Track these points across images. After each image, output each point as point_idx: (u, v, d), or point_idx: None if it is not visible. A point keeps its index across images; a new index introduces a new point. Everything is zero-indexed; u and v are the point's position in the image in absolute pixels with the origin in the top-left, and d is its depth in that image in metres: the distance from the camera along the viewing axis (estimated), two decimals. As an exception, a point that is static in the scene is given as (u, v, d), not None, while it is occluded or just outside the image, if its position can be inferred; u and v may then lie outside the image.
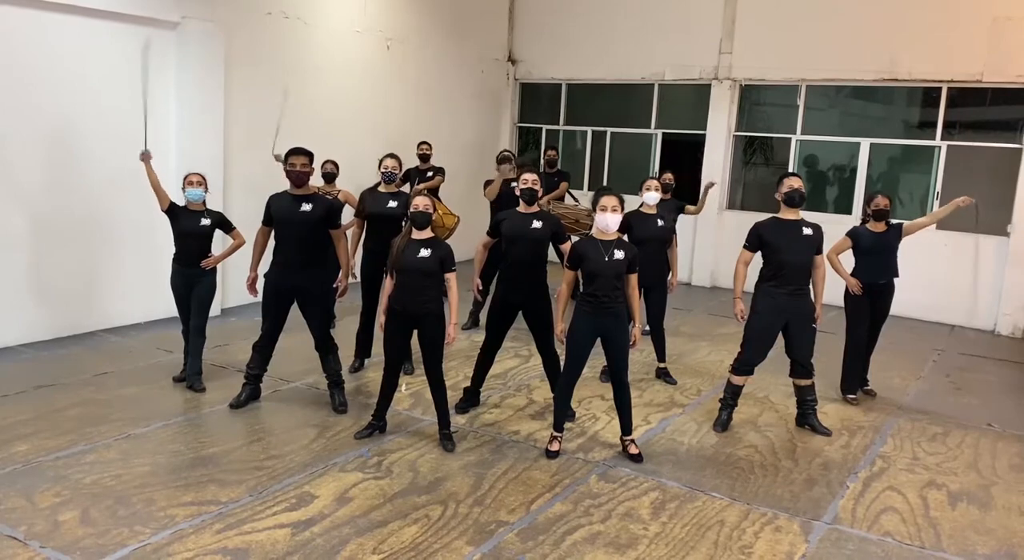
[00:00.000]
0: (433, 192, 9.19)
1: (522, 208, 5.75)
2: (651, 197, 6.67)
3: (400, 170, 6.70)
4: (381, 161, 6.62)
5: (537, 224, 5.69)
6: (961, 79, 9.84)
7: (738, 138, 11.67)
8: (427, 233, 5.23)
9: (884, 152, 10.80)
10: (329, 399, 6.05)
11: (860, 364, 6.84)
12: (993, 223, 9.73)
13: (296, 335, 6.53)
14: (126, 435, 5.36)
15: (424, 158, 9.51)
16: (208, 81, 8.22)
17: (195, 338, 6.22)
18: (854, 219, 9.57)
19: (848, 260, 6.60)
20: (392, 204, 6.44)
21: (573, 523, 4.47)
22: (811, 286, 5.84)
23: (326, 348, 5.99)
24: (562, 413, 5.42)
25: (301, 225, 5.65)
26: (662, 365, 7.13)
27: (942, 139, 10.10)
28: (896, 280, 6.68)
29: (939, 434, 6.14)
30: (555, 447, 5.36)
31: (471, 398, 6.16)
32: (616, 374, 5.29)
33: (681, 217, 8.55)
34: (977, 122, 10.23)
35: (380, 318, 5.37)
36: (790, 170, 10.98)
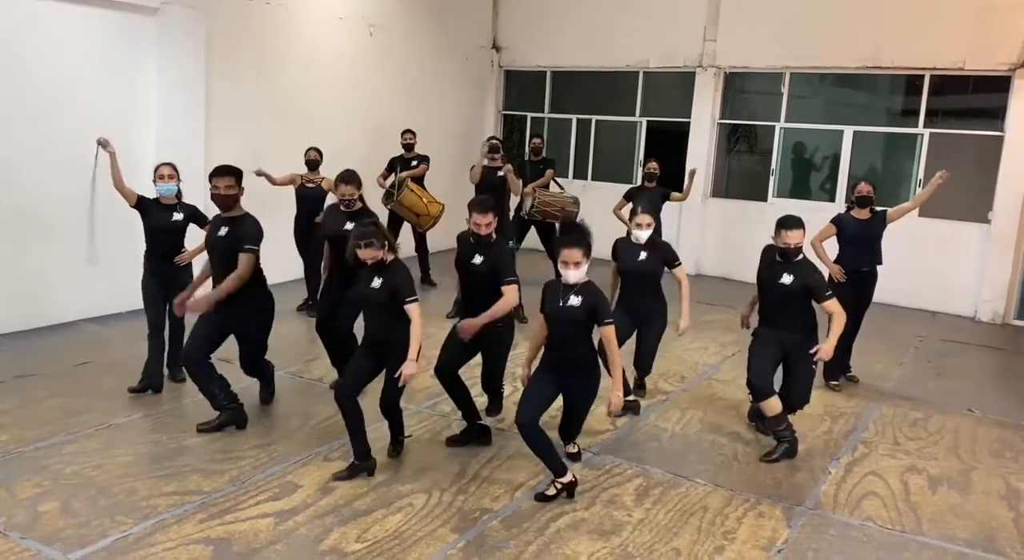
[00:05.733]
0: (419, 180, 9.17)
1: (472, 238, 5.20)
2: (641, 235, 5.82)
3: (357, 194, 5.94)
4: (336, 186, 5.97)
5: (478, 259, 5.14)
6: (944, 67, 9.87)
7: (722, 126, 11.65)
8: (378, 255, 4.63)
9: (867, 140, 10.83)
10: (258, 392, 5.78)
11: (843, 351, 6.88)
12: (974, 210, 9.79)
13: (277, 328, 6.44)
14: (108, 425, 5.32)
15: (408, 147, 9.44)
16: (189, 68, 8.12)
17: (176, 330, 5.97)
18: (838, 206, 9.60)
19: (831, 248, 6.64)
20: (349, 225, 5.74)
21: (557, 510, 4.48)
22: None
23: (257, 374, 5.69)
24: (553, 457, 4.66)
25: (212, 250, 5.27)
26: (640, 383, 6.37)
27: (925, 127, 10.13)
28: (879, 267, 6.72)
29: (920, 420, 6.20)
30: (551, 492, 4.64)
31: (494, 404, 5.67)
32: (568, 427, 4.96)
33: (667, 205, 8.57)
34: (959, 110, 10.27)
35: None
36: (774, 159, 11.03)
